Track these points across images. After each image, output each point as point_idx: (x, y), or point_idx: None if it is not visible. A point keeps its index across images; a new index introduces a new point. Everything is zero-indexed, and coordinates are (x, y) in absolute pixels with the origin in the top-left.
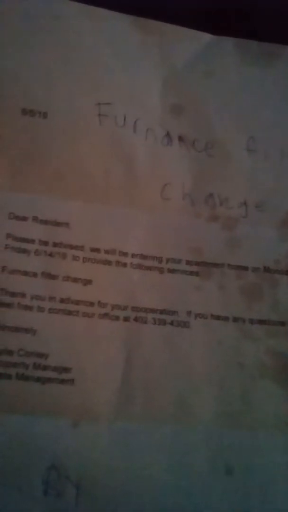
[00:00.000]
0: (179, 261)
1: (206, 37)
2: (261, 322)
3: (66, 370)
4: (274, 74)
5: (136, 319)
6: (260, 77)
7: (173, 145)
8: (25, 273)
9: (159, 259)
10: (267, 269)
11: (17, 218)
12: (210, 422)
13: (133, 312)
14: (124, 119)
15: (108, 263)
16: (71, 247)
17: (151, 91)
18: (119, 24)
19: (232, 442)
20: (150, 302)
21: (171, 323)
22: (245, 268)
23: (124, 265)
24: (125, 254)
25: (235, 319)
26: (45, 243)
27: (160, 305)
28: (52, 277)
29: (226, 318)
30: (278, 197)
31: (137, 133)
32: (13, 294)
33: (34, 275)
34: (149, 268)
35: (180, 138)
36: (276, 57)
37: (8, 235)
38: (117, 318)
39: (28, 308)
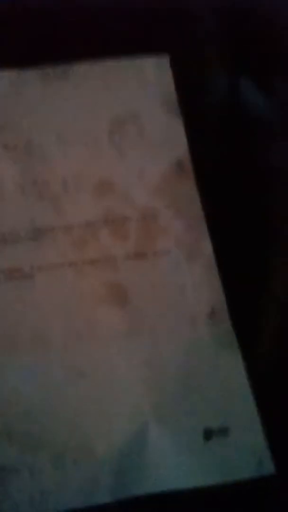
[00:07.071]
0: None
1: (12, 73)
2: (92, 262)
3: None
4: (68, 87)
5: None
6: (59, 93)
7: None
8: None
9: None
10: (88, 224)
11: None
12: (63, 344)
13: None
14: None
15: None
16: None
17: None
18: None
19: (83, 353)
20: None
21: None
22: (71, 227)
23: None
24: None
25: (70, 264)
26: None
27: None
28: None
29: (62, 265)
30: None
31: None
32: None
33: None
34: None
35: (5, 146)
36: (67, 75)
37: None
38: None
39: None
